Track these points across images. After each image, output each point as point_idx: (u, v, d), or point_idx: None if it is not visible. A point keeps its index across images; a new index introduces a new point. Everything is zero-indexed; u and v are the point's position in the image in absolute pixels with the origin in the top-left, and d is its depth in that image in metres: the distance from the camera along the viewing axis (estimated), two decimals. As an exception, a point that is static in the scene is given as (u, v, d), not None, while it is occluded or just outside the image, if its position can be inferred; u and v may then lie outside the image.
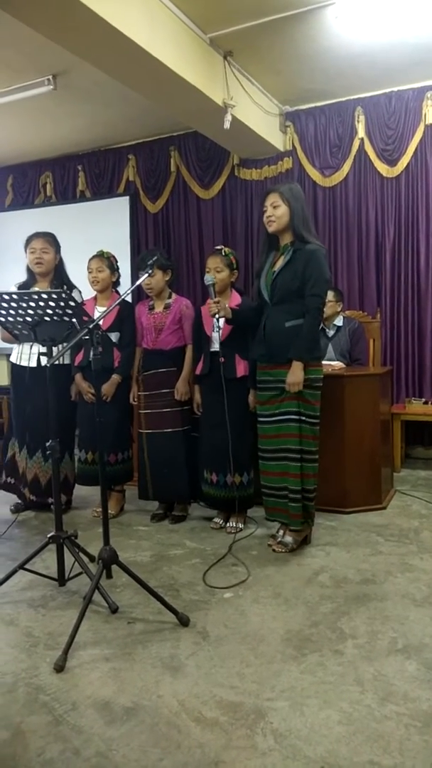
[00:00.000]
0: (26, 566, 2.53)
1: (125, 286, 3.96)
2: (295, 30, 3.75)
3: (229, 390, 3.17)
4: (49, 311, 2.43)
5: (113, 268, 3.61)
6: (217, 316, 3.09)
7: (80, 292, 3.62)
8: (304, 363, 2.83)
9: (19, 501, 3.78)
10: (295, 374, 2.82)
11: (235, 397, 3.21)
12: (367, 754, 1.58)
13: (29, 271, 3.63)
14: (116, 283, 3.68)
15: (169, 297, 3.53)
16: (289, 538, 3.02)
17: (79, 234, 5.46)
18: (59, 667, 2.00)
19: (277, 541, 3.05)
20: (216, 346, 3.21)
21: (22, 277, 3.70)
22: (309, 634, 2.20)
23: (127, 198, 5.79)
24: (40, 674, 1.99)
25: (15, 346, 3.63)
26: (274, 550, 3.00)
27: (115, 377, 3.48)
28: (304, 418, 2.89)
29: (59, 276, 3.65)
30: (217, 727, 1.71)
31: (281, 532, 3.09)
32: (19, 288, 3.59)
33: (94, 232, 5.59)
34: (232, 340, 3.22)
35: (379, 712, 1.76)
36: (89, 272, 3.57)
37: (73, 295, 2.99)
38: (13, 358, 3.66)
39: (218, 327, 3.19)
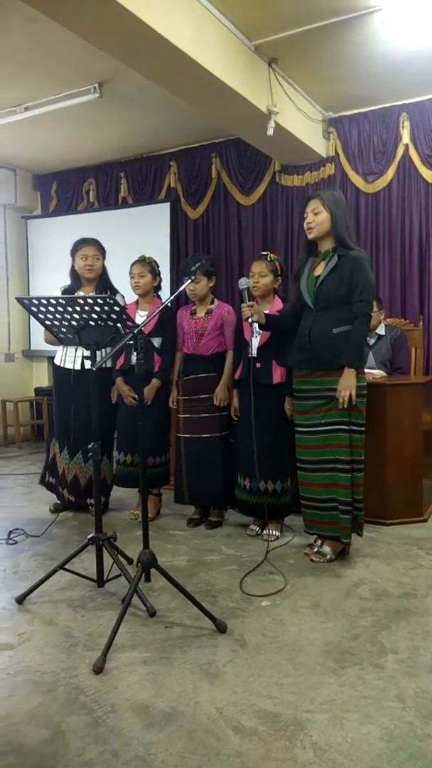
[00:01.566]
0: (66, 566, 2.56)
1: (165, 292, 3.99)
2: (340, 36, 3.73)
3: (266, 396, 3.15)
4: (94, 316, 2.47)
5: (155, 273, 3.64)
6: (250, 320, 3.08)
7: (123, 296, 3.67)
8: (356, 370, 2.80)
9: (58, 501, 3.83)
10: (348, 381, 2.78)
11: (272, 403, 3.19)
12: (410, 773, 1.55)
13: (74, 275, 3.69)
14: (158, 288, 3.71)
15: (212, 303, 3.54)
16: (327, 548, 2.98)
17: (121, 239, 5.54)
18: (98, 669, 2.01)
19: (315, 550, 3.02)
20: (254, 352, 3.21)
21: (66, 280, 3.76)
22: (349, 647, 2.16)
23: (168, 204, 5.85)
24: (80, 675, 2.01)
25: (59, 348, 3.70)
26: (312, 560, 2.96)
27: (155, 381, 3.51)
28: (354, 427, 2.86)
29: (103, 281, 3.71)
30: (256, 736, 1.69)
31: (319, 542, 3.05)
32: (63, 292, 3.65)
33: (136, 238, 5.66)
34: (269, 346, 3.21)
35: (421, 730, 1.71)
36: (131, 277, 3.61)
37: (117, 299, 3.03)
38: (57, 361, 3.72)
39: (257, 332, 3.18)
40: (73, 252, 3.65)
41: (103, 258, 3.70)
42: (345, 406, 2.80)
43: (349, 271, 2.81)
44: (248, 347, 3.27)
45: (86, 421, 3.39)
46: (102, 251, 3.67)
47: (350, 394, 2.78)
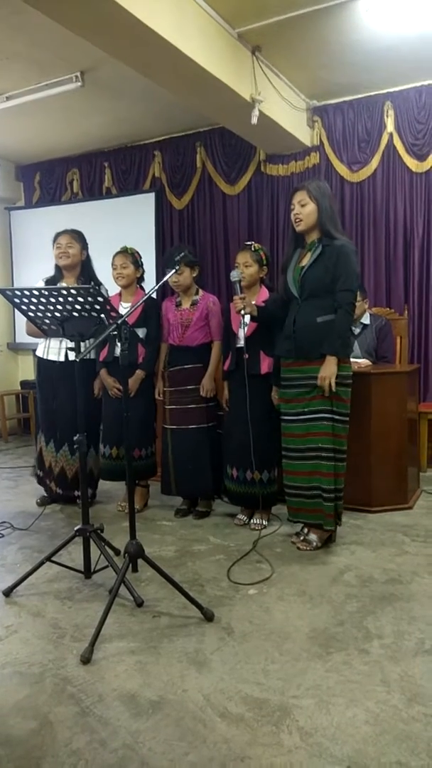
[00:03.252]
0: (53, 558, 2.56)
1: (150, 282, 3.97)
2: (324, 24, 3.71)
3: (253, 386, 3.16)
4: (78, 307, 2.45)
5: (138, 264, 3.62)
6: (242, 312, 3.09)
7: (107, 289, 3.64)
8: (338, 359, 2.81)
9: (45, 494, 3.82)
10: (329, 368, 2.79)
11: (260, 393, 3.19)
12: (394, 755, 1.57)
13: (57, 267, 3.67)
14: (141, 279, 3.69)
15: (196, 293, 3.53)
16: (313, 536, 3.00)
17: (105, 230, 5.49)
18: (86, 659, 2.02)
19: (301, 538, 3.04)
20: (242, 343, 3.21)
21: (50, 271, 3.74)
22: (334, 633, 2.18)
23: (152, 194, 5.80)
24: (67, 666, 2.02)
25: (41, 340, 3.67)
26: (298, 548, 2.99)
27: (139, 373, 3.50)
28: (336, 416, 2.87)
29: (86, 272, 3.69)
30: (243, 723, 1.71)
31: (305, 530, 3.07)
32: (46, 283, 3.63)
33: (120, 229, 5.61)
34: (257, 336, 3.21)
35: (406, 713, 1.74)
36: (114, 268, 3.59)
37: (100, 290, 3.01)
38: (39, 353, 3.70)
39: (244, 323, 3.18)
40: (53, 244, 3.65)
41: (84, 248, 3.67)
42: (327, 393, 2.81)
43: (333, 261, 2.81)
44: (236, 338, 3.28)
45: (71, 413, 3.38)
46: (79, 240, 3.64)
47: (330, 382, 2.79)
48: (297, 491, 2.99)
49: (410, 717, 1.72)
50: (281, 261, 3.15)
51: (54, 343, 3.59)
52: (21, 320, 6.19)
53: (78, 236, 3.65)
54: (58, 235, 3.65)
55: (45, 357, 3.65)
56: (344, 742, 1.62)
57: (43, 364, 3.68)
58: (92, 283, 3.58)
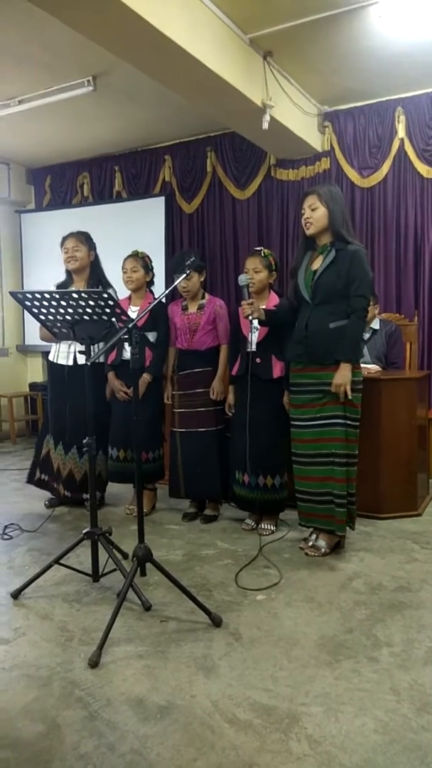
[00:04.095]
0: (61, 561, 2.56)
1: (159, 286, 3.98)
2: (336, 30, 3.71)
3: (264, 391, 3.16)
4: (88, 310, 2.45)
5: (148, 268, 3.63)
6: (250, 317, 3.08)
7: (115, 291, 3.65)
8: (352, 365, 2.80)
9: (53, 497, 3.83)
10: (344, 375, 2.79)
11: (271, 398, 3.19)
12: (403, 765, 1.56)
13: (67, 270, 3.69)
14: (150, 283, 3.70)
15: (203, 297, 3.53)
16: (322, 542, 2.99)
17: (115, 234, 5.52)
18: (94, 663, 2.01)
19: (310, 544, 3.03)
20: (253, 347, 3.21)
21: (61, 276, 3.76)
22: (343, 640, 2.17)
23: (162, 198, 5.82)
24: (75, 669, 2.01)
25: (53, 344, 3.69)
26: (306, 554, 2.97)
27: (146, 376, 3.50)
28: (349, 422, 2.86)
29: (95, 274, 3.70)
30: (251, 729, 1.70)
31: (314, 536, 3.06)
32: (57, 287, 3.64)
33: (130, 232, 5.64)
34: (268, 341, 3.21)
35: (416, 722, 1.72)
36: (124, 272, 3.60)
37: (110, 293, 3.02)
38: (51, 357, 3.71)
39: (255, 328, 3.18)
40: (60, 247, 3.66)
41: (91, 249, 3.68)
42: (343, 399, 2.81)
43: (346, 266, 2.81)
44: (246, 342, 3.27)
45: (81, 416, 3.39)
46: (85, 242, 3.65)
47: (346, 389, 2.79)
48: (308, 496, 2.98)
49: (420, 726, 1.71)
50: (291, 265, 3.15)
51: (63, 347, 3.60)
52: (30, 322, 6.22)
53: (84, 238, 3.66)
54: (64, 239, 3.67)
55: (55, 361, 3.66)
56: (353, 750, 1.61)
57: (53, 368, 3.70)
58: (101, 285, 3.59)
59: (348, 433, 2.87)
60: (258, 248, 3.38)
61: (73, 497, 3.69)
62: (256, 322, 3.16)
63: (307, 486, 2.97)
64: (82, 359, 3.49)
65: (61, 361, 3.62)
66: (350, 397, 2.81)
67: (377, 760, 1.58)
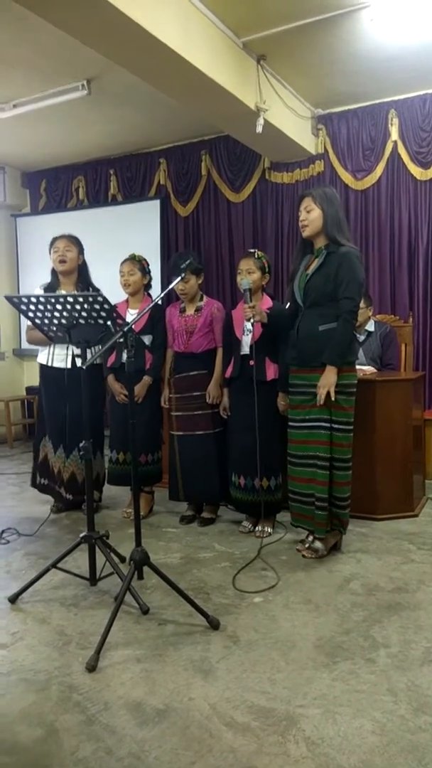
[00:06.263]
0: (58, 565, 2.56)
1: (156, 289, 3.98)
2: (329, 33, 3.73)
3: (258, 393, 3.16)
4: (84, 314, 2.46)
5: (145, 271, 3.64)
6: (252, 320, 3.09)
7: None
8: (338, 368, 2.81)
9: (59, 502, 3.79)
10: (327, 378, 2.79)
11: (264, 400, 3.19)
12: (402, 766, 1.56)
13: (53, 273, 3.69)
14: (148, 286, 3.70)
15: (201, 299, 3.54)
16: (318, 544, 2.99)
17: (111, 237, 5.53)
18: (91, 667, 2.01)
19: (306, 546, 3.03)
20: (246, 350, 3.22)
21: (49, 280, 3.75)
22: (340, 642, 2.17)
23: (158, 202, 5.83)
24: (73, 673, 2.01)
25: (41, 348, 3.68)
26: (303, 556, 2.98)
27: (146, 379, 3.51)
28: (335, 425, 2.86)
29: (83, 278, 3.70)
30: (249, 732, 1.70)
31: (310, 538, 3.07)
32: (44, 290, 3.62)
33: (126, 236, 5.65)
34: (262, 343, 3.21)
35: (413, 723, 1.73)
36: (121, 275, 3.61)
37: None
38: (42, 360, 3.69)
39: (249, 330, 3.19)
40: (49, 248, 3.66)
41: (81, 252, 3.68)
42: (321, 402, 2.81)
43: (335, 268, 2.81)
44: (239, 345, 3.28)
45: (79, 418, 3.39)
46: (76, 244, 3.65)
47: (329, 392, 2.79)
48: (297, 497, 3.00)
49: (417, 727, 1.71)
50: (289, 269, 3.16)
51: (59, 350, 3.59)
52: (26, 327, 6.22)
53: (75, 241, 3.67)
54: (55, 239, 3.66)
55: (50, 364, 3.64)
56: (351, 752, 1.62)
57: (47, 372, 3.68)
58: (90, 288, 3.59)
59: (333, 437, 2.86)
60: (251, 250, 3.39)
61: (76, 499, 3.68)
62: (249, 325, 3.16)
63: (296, 486, 2.99)
64: (80, 362, 3.50)
65: (58, 365, 3.60)
66: (333, 400, 2.81)
67: (375, 761, 1.58)
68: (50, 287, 3.67)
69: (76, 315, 2.47)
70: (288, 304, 3.13)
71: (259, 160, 5.33)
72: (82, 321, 2.50)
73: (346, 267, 2.80)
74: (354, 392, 2.92)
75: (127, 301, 3.67)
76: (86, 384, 2.60)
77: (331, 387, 2.79)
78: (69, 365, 3.57)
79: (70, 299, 2.43)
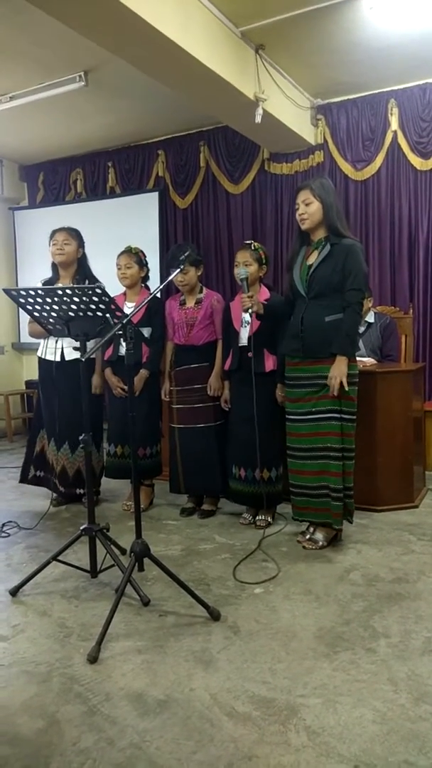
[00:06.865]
0: (59, 558, 2.57)
1: (154, 282, 3.97)
2: (328, 22, 3.70)
3: (257, 385, 3.15)
4: (83, 306, 2.45)
5: (142, 263, 3.62)
6: (249, 311, 3.08)
7: (104, 287, 3.63)
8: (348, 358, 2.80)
9: (55, 494, 3.79)
10: (340, 368, 2.79)
11: (263, 392, 3.19)
12: (402, 754, 1.57)
13: (53, 266, 3.67)
14: (145, 279, 3.69)
15: (200, 292, 3.53)
16: (319, 535, 3.00)
17: (109, 229, 5.51)
18: (93, 658, 2.02)
19: (307, 537, 3.04)
20: (244, 341, 3.21)
21: (51, 273, 3.73)
22: (341, 632, 2.18)
23: (156, 193, 5.81)
24: (74, 665, 2.02)
25: (42, 341, 3.68)
26: (304, 547, 2.98)
27: (143, 372, 3.50)
28: (345, 416, 2.86)
29: (82, 271, 3.68)
30: (250, 722, 1.71)
31: (311, 529, 3.07)
32: (44, 284, 3.61)
33: (124, 228, 5.62)
34: (260, 335, 3.20)
35: (413, 712, 1.73)
36: (118, 268, 3.59)
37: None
38: (39, 353, 3.70)
39: (247, 322, 3.18)
40: (49, 242, 3.64)
41: (80, 245, 3.66)
42: (336, 393, 2.81)
43: (341, 260, 2.81)
44: (238, 337, 3.27)
45: (70, 411, 3.42)
46: (75, 237, 3.63)
47: (341, 382, 2.79)
48: (303, 490, 2.98)
49: (417, 716, 1.72)
50: (286, 259, 3.14)
51: (51, 342, 3.59)
52: (25, 320, 6.20)
53: (74, 234, 3.65)
54: (54, 232, 3.64)
55: (43, 357, 3.66)
56: (352, 741, 1.62)
57: (42, 364, 3.69)
58: (88, 281, 3.58)
59: (344, 427, 2.87)
60: (248, 241, 3.38)
61: (67, 492, 3.69)
62: (247, 316, 3.15)
63: (302, 480, 2.98)
64: (69, 354, 3.49)
65: (49, 357, 3.61)
66: (346, 390, 2.82)
67: (375, 750, 1.59)
68: (50, 282, 3.66)
69: (75, 308, 2.46)
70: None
71: (258, 151, 5.30)
72: (80, 314, 2.48)
73: (353, 259, 2.80)
74: (357, 382, 2.91)
75: (124, 293, 3.65)
76: (83, 376, 2.59)
77: (344, 377, 2.79)
78: (58, 358, 3.56)
79: (68, 291, 2.42)
